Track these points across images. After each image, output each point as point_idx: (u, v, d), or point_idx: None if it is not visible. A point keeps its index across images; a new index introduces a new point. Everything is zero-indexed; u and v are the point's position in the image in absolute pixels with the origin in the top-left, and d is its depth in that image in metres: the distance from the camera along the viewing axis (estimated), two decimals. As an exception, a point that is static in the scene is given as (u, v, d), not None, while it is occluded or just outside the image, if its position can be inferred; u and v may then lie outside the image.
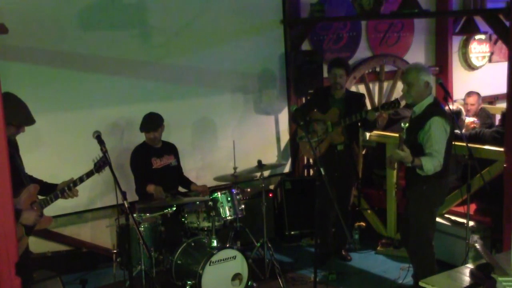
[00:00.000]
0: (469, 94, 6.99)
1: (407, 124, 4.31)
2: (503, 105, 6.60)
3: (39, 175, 4.08)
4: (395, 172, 5.85)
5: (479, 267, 3.36)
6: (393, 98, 6.68)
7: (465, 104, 6.94)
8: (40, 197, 3.87)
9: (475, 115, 6.79)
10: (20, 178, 3.84)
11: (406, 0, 5.77)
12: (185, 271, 4.76)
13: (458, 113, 5.94)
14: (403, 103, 5.48)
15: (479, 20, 7.29)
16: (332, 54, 6.91)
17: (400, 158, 4.37)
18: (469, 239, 4.87)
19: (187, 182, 5.58)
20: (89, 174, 3.97)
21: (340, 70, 5.49)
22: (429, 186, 4.47)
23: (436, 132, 4.32)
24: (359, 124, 5.54)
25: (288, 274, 5.45)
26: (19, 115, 3.73)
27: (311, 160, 6.78)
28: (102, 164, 3.98)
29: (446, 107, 4.73)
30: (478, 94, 6.95)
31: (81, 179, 3.95)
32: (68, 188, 3.92)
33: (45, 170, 4.49)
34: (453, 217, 5.48)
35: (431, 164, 4.30)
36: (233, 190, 5.12)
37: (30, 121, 3.81)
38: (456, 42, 7.95)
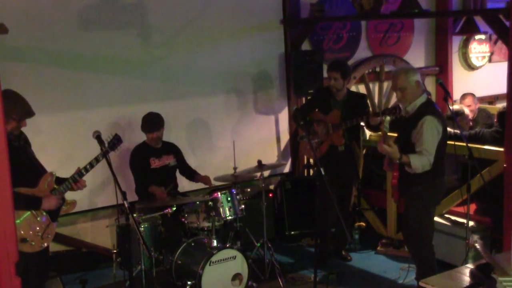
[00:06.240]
0: (464, 96, 6.93)
1: (387, 118, 4.29)
2: (502, 105, 6.58)
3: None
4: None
5: (479, 267, 3.35)
6: (393, 99, 6.67)
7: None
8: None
9: (474, 116, 6.76)
10: (36, 169, 3.94)
11: (406, 0, 5.77)
12: (185, 271, 4.76)
13: (458, 112, 5.93)
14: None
15: (479, 20, 7.30)
16: (332, 54, 6.91)
17: (387, 153, 4.39)
18: (469, 239, 4.88)
19: (190, 172, 5.57)
20: (104, 154, 4.04)
21: (334, 73, 5.38)
22: (424, 187, 4.46)
23: (427, 131, 4.33)
24: (361, 124, 5.54)
25: (288, 274, 5.44)
26: (19, 109, 3.84)
27: (311, 160, 6.77)
28: (116, 142, 4.11)
29: (447, 108, 4.72)
30: (472, 94, 6.91)
31: (97, 160, 4.04)
32: (85, 170, 4.04)
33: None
34: (453, 217, 5.47)
35: (419, 162, 4.31)
36: (233, 190, 5.12)
37: (30, 113, 3.93)
38: (456, 42, 7.95)
